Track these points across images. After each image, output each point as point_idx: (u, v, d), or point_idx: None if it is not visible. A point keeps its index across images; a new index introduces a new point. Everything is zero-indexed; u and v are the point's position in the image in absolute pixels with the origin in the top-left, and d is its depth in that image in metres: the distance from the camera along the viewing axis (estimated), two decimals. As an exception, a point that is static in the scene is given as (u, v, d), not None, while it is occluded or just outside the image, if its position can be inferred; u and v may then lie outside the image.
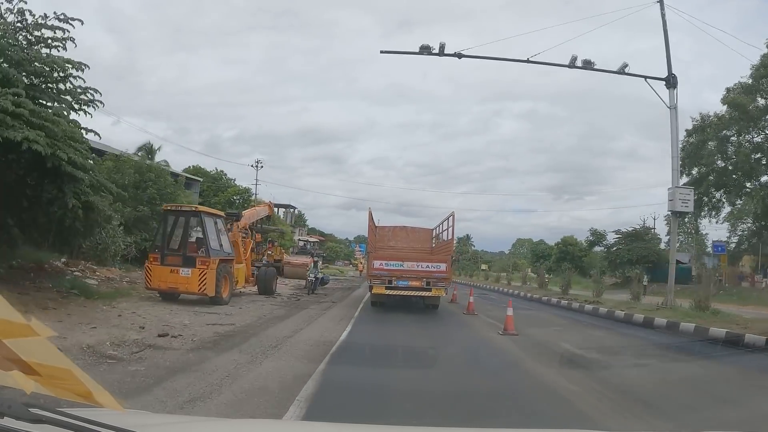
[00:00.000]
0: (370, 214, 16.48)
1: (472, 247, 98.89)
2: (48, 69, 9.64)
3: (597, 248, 48.24)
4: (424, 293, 13.73)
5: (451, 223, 14.81)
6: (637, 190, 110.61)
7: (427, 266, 13.76)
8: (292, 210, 62.02)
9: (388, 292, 13.67)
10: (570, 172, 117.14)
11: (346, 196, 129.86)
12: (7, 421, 1.04)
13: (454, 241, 15.93)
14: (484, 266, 69.21)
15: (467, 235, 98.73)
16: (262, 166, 48.24)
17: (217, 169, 36.65)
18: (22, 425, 1.05)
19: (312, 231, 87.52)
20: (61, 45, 9.97)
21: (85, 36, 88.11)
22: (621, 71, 16.95)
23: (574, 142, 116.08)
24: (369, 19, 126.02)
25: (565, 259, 50.47)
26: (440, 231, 16.81)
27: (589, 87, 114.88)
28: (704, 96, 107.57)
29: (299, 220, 73.40)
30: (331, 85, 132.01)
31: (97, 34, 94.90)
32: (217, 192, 33.09)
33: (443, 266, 13.76)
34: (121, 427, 1.11)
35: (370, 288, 14.20)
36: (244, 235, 15.97)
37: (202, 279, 11.74)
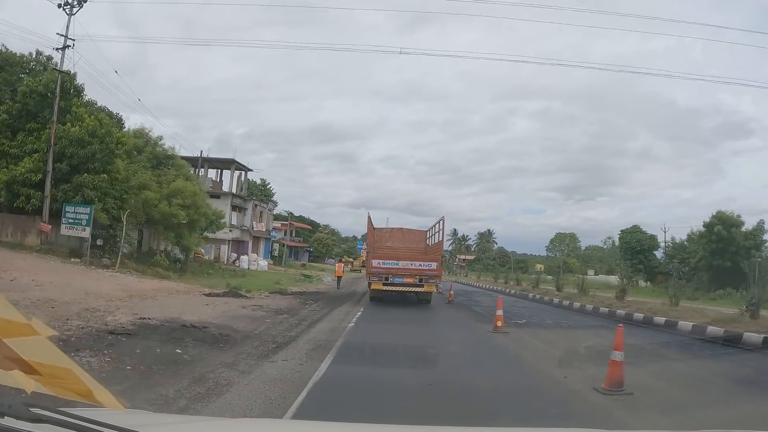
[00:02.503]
0: (369, 218, 18.04)
1: (495, 245, 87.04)
2: None
3: None
4: (417, 289, 15.26)
5: (441, 227, 16.31)
6: (651, 190, 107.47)
7: (420, 265, 15.27)
8: (241, 173, 40.40)
9: (385, 288, 15.12)
10: (583, 171, 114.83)
11: (356, 194, 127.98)
12: (8, 421, 1.04)
13: (444, 243, 17.56)
14: (539, 266, 46.98)
15: (489, 230, 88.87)
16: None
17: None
18: (23, 425, 1.04)
19: (301, 220, 70.82)
20: None
21: (96, 32, 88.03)
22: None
23: (587, 141, 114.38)
24: (382, 14, 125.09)
25: (725, 252, 30.46)
26: (433, 233, 18.03)
27: (603, 85, 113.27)
28: (719, 96, 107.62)
29: (258, 192, 50.35)
30: (343, 82, 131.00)
31: (109, 30, 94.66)
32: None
33: (434, 265, 15.36)
34: (122, 426, 1.11)
35: (369, 284, 15.65)
36: None
37: None
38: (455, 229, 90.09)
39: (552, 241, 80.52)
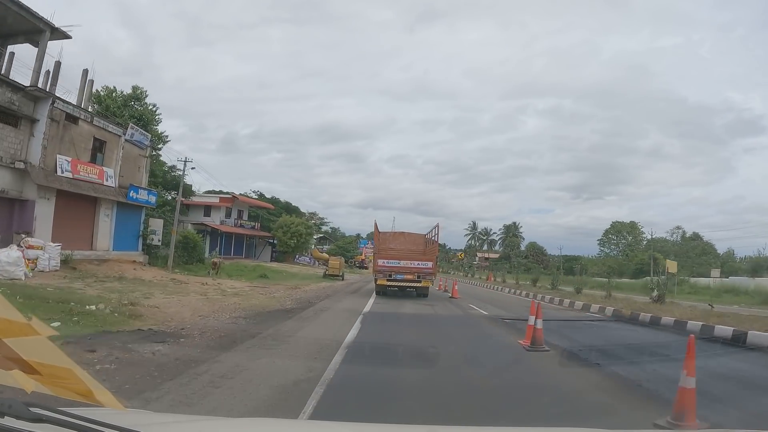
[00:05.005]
0: (376, 224, 21.03)
1: (523, 240, 76.77)
2: None
3: None
4: (415, 284, 17.85)
5: (436, 231, 19.01)
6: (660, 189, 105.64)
7: (418, 264, 17.81)
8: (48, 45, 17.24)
9: (388, 283, 17.77)
10: (592, 170, 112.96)
11: (363, 194, 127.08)
12: (8, 421, 1.04)
13: (438, 246, 19.84)
14: (670, 264, 25.05)
15: (515, 223, 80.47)
16: None
17: None
18: (23, 425, 1.04)
19: (276, 202, 53.96)
20: None
21: (101, 31, 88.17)
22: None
23: (597, 139, 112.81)
24: (390, 11, 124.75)
25: None
26: (431, 236, 20.27)
27: (614, 82, 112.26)
28: (726, 95, 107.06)
29: (117, 107, 26.06)
30: (350, 80, 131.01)
31: (114, 30, 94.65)
32: None
33: (430, 264, 17.99)
34: (122, 426, 1.11)
35: (376, 280, 18.30)
36: None
37: None
38: (474, 223, 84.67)
39: (606, 233, 66.11)
